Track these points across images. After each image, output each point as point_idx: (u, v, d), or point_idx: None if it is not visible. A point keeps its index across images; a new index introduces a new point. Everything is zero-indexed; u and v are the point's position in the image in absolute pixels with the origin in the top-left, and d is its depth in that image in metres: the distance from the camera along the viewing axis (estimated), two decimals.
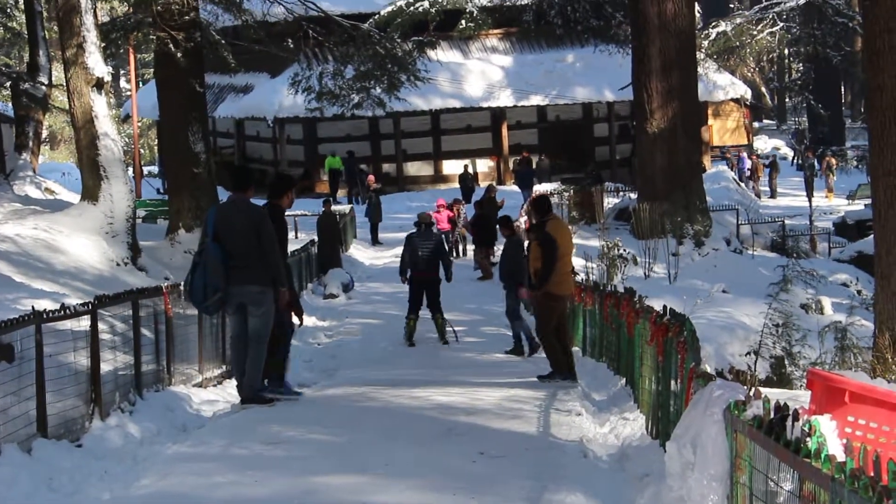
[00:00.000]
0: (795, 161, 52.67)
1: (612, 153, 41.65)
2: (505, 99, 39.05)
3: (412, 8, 36.51)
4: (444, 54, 38.49)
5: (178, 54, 18.46)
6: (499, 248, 19.97)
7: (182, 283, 10.14)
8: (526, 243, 13.46)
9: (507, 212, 27.51)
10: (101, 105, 15.87)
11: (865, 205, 31.81)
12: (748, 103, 46.14)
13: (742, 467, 4.62)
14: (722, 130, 48.55)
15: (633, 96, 25.46)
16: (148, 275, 15.74)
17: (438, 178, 40.30)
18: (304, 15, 22.10)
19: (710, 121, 44.55)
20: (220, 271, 8.81)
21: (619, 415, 8.74)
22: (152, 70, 36.97)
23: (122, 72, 58.95)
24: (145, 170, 46.09)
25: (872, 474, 3.22)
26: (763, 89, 59.40)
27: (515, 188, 35.61)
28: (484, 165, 40.58)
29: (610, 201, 28.79)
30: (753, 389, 4.65)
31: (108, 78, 16.15)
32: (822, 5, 34.39)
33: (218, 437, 7.75)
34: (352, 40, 21.19)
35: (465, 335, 15.74)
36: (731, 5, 52.97)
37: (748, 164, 42.87)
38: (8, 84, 28.36)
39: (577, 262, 13.27)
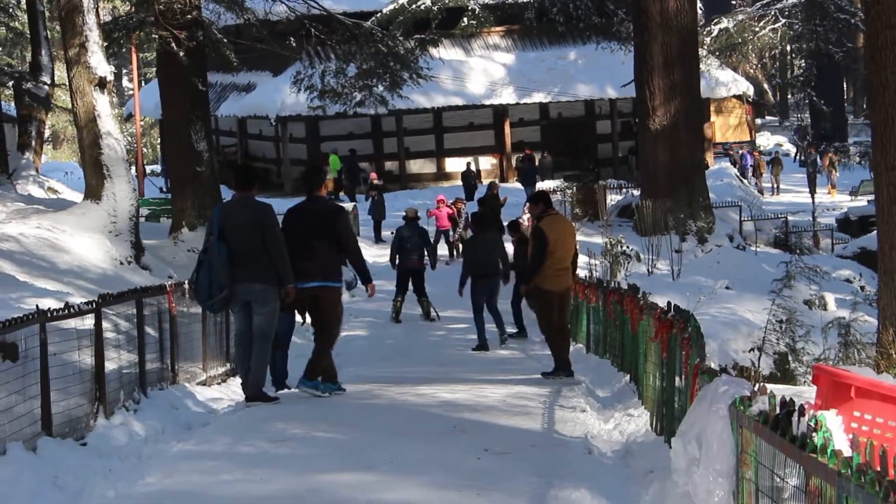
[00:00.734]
0: (798, 157, 52.64)
1: (615, 150, 41.65)
2: (507, 96, 39.04)
3: (414, 6, 36.48)
4: (446, 52, 38.46)
5: (181, 53, 18.43)
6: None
7: (187, 282, 10.15)
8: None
9: (509, 209, 27.58)
10: (103, 104, 15.84)
11: (868, 201, 31.82)
12: (750, 100, 46.09)
13: (748, 463, 4.62)
14: (724, 127, 48.52)
15: (635, 93, 25.46)
16: (151, 273, 15.72)
17: (441, 175, 40.31)
18: (306, 13, 22.09)
19: (713, 117, 44.52)
20: (225, 269, 8.82)
21: (624, 411, 8.73)
22: (155, 69, 37.06)
23: (124, 71, 59.04)
24: (148, 169, 46.06)
25: (879, 469, 3.21)
26: (765, 86, 59.26)
27: (518, 185, 35.63)
28: (487, 163, 40.57)
29: (613, 198, 28.80)
30: (759, 385, 4.65)
31: (110, 77, 16.11)
32: (824, 1, 34.39)
33: (223, 435, 7.75)
34: (354, 38, 21.18)
35: (467, 332, 15.75)
36: (733, 2, 52.84)
37: (751, 160, 42.85)
38: (10, 84, 28.30)
39: (581, 259, 13.25)
